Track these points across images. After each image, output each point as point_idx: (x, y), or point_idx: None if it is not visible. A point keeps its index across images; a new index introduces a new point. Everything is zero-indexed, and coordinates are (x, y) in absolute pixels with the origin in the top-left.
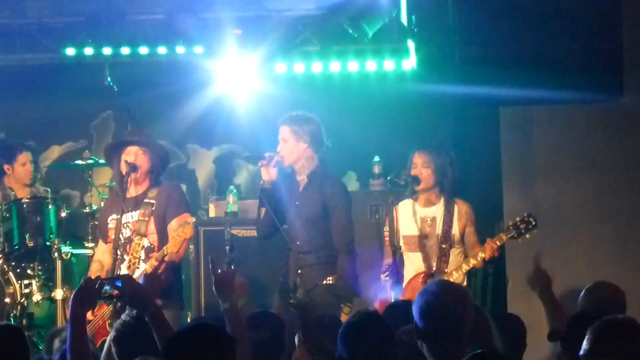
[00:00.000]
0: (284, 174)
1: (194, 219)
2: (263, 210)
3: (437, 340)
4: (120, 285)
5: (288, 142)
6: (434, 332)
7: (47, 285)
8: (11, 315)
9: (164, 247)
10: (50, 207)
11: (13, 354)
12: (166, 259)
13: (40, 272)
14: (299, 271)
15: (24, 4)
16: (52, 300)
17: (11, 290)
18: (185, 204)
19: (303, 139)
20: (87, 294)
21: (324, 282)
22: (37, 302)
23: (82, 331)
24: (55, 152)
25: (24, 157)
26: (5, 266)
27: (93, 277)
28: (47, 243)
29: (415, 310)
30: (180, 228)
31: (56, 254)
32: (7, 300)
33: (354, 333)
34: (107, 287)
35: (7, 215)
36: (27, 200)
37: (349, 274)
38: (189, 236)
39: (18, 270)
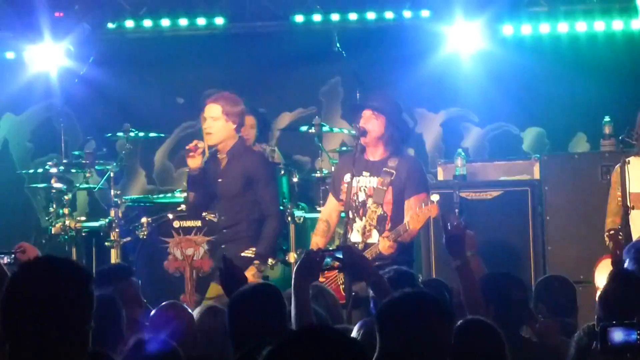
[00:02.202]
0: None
1: (438, 197)
2: (191, 194)
3: None
4: (341, 256)
5: (218, 121)
6: None
7: (281, 249)
8: None
9: (405, 223)
10: (282, 173)
11: (272, 310)
12: (402, 237)
13: None
14: (222, 246)
15: None
16: (286, 264)
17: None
18: (425, 183)
19: (232, 120)
20: (310, 266)
21: (243, 254)
22: (272, 265)
23: (305, 303)
24: (286, 118)
25: (247, 120)
26: None
27: (316, 243)
28: (281, 208)
29: None
30: (425, 206)
31: (289, 218)
32: None
33: None
34: (328, 259)
35: None
36: None
37: (272, 238)
38: (435, 215)
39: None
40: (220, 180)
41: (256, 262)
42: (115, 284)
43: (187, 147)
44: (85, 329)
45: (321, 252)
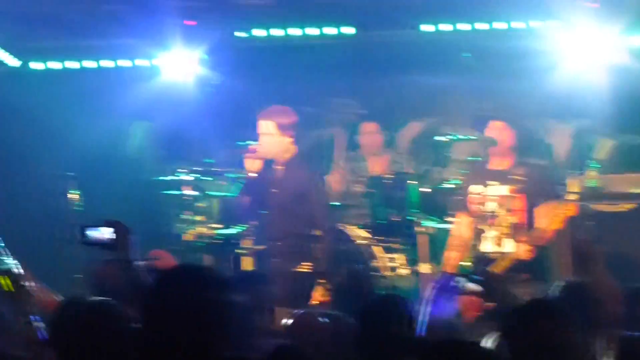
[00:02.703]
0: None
1: (574, 197)
2: (246, 198)
3: None
4: (479, 279)
5: (272, 137)
6: None
7: (412, 259)
8: None
9: (541, 228)
10: (412, 182)
11: (400, 320)
12: (540, 241)
13: (404, 246)
14: (272, 259)
15: None
16: (417, 274)
17: (376, 264)
18: (555, 190)
19: (288, 133)
20: (447, 291)
21: (293, 270)
22: (402, 275)
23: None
24: (414, 127)
25: (369, 127)
26: (370, 240)
27: (451, 258)
28: (411, 218)
29: None
30: (562, 207)
31: (419, 229)
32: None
33: None
34: (465, 283)
35: (372, 190)
36: (390, 176)
37: (329, 252)
38: (572, 214)
39: (383, 245)
40: (273, 190)
41: (322, 280)
42: (250, 291)
43: (248, 147)
44: (221, 335)
45: (458, 277)
